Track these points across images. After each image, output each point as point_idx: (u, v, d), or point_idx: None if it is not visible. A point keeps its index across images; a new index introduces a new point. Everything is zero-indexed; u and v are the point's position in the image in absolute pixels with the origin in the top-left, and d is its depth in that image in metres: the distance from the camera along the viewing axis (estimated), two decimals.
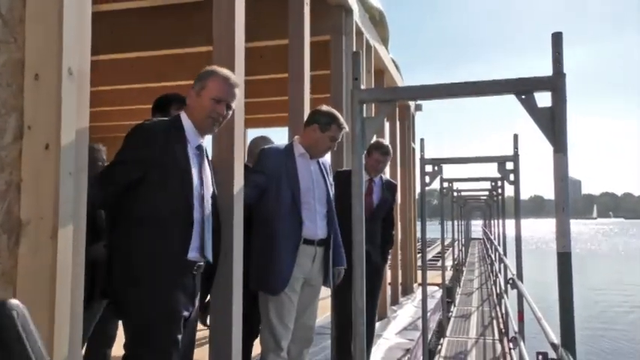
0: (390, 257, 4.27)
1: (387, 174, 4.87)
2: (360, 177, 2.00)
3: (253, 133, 10.52)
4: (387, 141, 6.38)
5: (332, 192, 3.14)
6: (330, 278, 3.10)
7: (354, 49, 4.72)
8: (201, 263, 2.06)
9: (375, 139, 4.06)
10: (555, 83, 1.86)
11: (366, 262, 3.69)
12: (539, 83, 1.89)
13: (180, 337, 1.92)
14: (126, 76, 6.19)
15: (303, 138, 3.11)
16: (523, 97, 1.89)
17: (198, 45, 4.76)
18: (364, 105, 1.99)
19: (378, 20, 5.67)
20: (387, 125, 7.55)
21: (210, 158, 2.28)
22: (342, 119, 3.05)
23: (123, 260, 1.91)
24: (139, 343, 1.90)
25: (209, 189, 2.13)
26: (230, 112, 2.18)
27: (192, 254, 1.99)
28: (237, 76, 2.80)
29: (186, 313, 1.98)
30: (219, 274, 2.33)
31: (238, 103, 2.54)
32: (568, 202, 1.85)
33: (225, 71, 2.18)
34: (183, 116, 2.13)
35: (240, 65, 2.61)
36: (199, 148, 2.12)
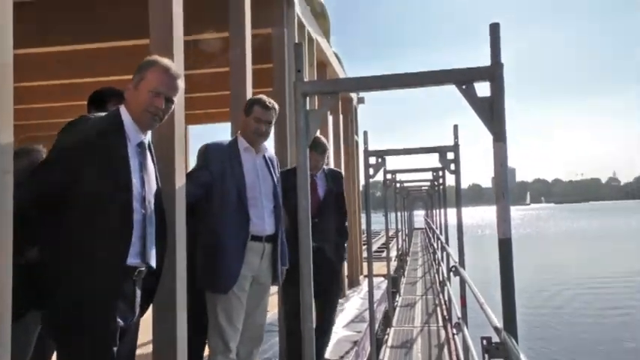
0: (346, 254, 4.16)
1: (330, 165, 4.89)
2: (305, 171, 1.98)
3: (196, 130, 10.29)
4: (324, 137, 6.40)
5: (279, 187, 3.10)
6: (279, 275, 3.06)
7: (297, 42, 4.69)
8: (143, 269, 1.93)
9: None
10: (493, 73, 1.90)
11: (320, 259, 3.58)
12: (478, 73, 1.92)
13: (115, 349, 1.80)
14: (56, 71, 5.88)
15: (241, 130, 3.07)
16: (464, 87, 1.92)
17: (133, 38, 4.56)
18: (307, 98, 1.96)
19: (319, 12, 5.66)
20: (330, 119, 7.57)
21: (153, 154, 2.14)
22: (266, 98, 2.99)
23: (55, 267, 1.77)
24: (70, 356, 1.77)
25: (152, 189, 2.00)
26: (172, 106, 2.06)
27: (133, 260, 1.86)
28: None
29: (123, 323, 1.85)
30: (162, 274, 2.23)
31: (179, 96, 2.45)
32: (508, 189, 1.90)
33: (166, 61, 2.05)
34: (123, 111, 1.99)
35: (180, 59, 2.52)
36: (141, 146, 1.99)
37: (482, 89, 1.97)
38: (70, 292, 1.74)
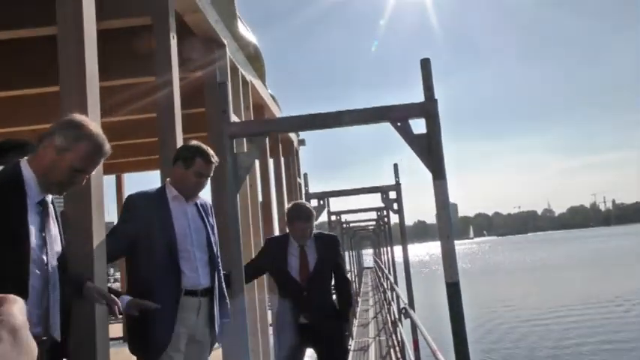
0: (350, 325, 3.96)
1: (274, 213, 4.72)
2: (235, 221, 1.80)
3: (129, 177, 9.88)
4: (265, 180, 6.21)
5: (214, 236, 2.89)
6: (217, 331, 2.82)
7: (231, 86, 4.56)
8: (45, 338, 1.68)
9: (290, 203, 3.87)
10: (428, 109, 1.83)
11: (312, 334, 3.51)
12: (413, 110, 1.84)
13: None
14: None
15: (171, 178, 2.85)
16: (399, 124, 1.83)
17: (39, 86, 4.23)
18: (234, 140, 1.81)
19: (253, 55, 5.58)
20: (270, 161, 7.42)
21: (57, 212, 1.92)
22: (209, 151, 2.76)
23: None
24: None
25: (54, 251, 1.78)
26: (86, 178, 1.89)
27: (33, 329, 1.60)
28: (91, 118, 2.49)
29: None
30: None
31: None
32: (452, 230, 1.80)
33: (99, 137, 1.84)
34: (24, 165, 1.77)
35: (95, 106, 2.32)
36: (42, 204, 1.78)
37: (419, 126, 1.89)
38: None
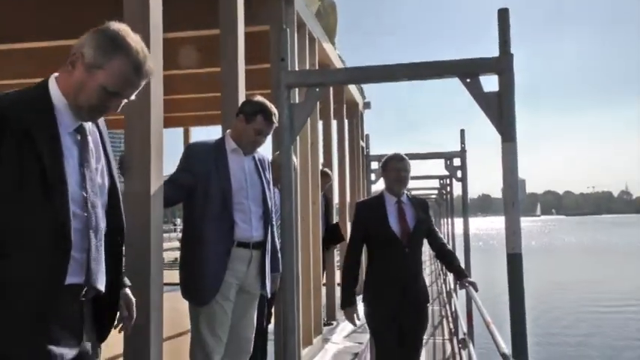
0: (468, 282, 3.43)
1: (335, 175, 4.66)
2: (289, 170, 1.75)
3: (196, 131, 10.12)
4: (328, 143, 6.13)
5: (270, 190, 2.89)
6: (268, 285, 2.85)
7: (297, 41, 4.48)
8: (86, 288, 1.49)
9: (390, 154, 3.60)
10: (502, 65, 1.67)
11: (403, 298, 3.26)
12: (484, 65, 1.70)
13: None
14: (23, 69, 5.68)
15: (232, 130, 2.85)
16: (468, 80, 1.69)
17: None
18: (291, 90, 1.75)
19: (327, 10, 5.45)
20: (334, 124, 7.34)
21: (103, 134, 1.64)
22: (272, 110, 2.72)
23: None
24: None
25: (95, 188, 1.52)
26: (124, 102, 1.56)
27: (74, 278, 1.44)
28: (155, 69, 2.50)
29: (68, 353, 1.45)
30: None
31: (156, 88, 2.22)
32: (518, 198, 1.67)
33: (138, 52, 1.50)
34: (52, 85, 1.50)
35: (158, 58, 2.31)
36: (80, 130, 1.51)
37: (490, 83, 1.75)
38: None
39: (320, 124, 5.79)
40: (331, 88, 5.96)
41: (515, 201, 1.63)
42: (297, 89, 2.30)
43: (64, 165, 1.42)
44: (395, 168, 3.43)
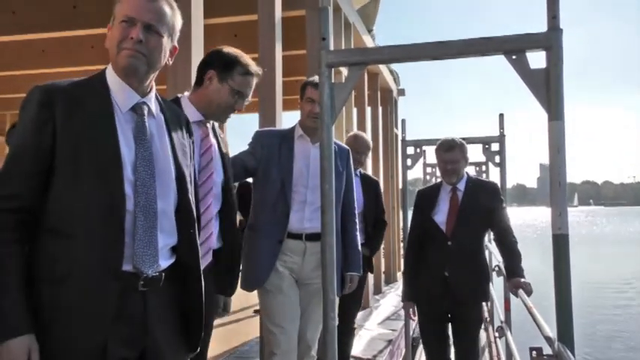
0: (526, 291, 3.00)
1: (369, 161, 4.61)
2: (329, 153, 1.74)
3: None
4: (362, 129, 6.08)
5: (341, 182, 2.73)
6: (334, 284, 2.76)
7: (331, 25, 4.45)
8: (156, 274, 1.44)
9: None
10: (550, 41, 1.62)
11: (445, 296, 3.08)
12: (531, 41, 1.65)
13: None
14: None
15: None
16: (514, 57, 1.65)
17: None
18: (332, 70, 1.74)
19: None
20: (368, 110, 7.30)
21: (182, 124, 1.64)
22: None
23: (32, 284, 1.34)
24: None
25: (150, 164, 1.46)
26: (159, 41, 1.47)
27: (130, 265, 1.39)
28: (195, 54, 2.51)
29: (128, 353, 1.40)
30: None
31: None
32: (565, 177, 1.62)
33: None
34: (109, 71, 1.50)
35: (199, 43, 2.34)
36: (137, 109, 1.48)
37: (536, 60, 1.70)
38: (46, 321, 1.33)
39: (354, 111, 5.76)
40: (366, 76, 5.91)
41: (561, 181, 1.58)
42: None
43: (119, 142, 1.41)
44: (442, 159, 3.19)
